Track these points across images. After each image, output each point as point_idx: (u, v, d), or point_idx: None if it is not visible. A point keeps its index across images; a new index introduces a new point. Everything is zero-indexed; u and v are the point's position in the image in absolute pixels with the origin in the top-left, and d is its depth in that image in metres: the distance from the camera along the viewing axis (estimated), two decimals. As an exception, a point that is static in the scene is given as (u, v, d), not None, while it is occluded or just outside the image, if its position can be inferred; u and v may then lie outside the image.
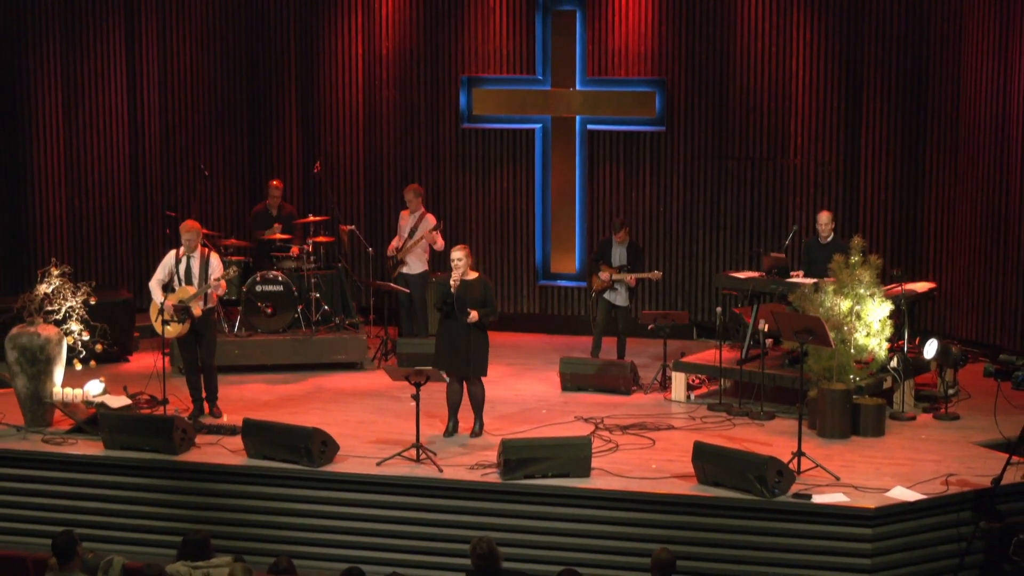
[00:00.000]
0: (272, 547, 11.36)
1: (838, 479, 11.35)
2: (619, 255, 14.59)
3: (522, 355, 15.62)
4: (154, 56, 16.97)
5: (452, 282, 12.32)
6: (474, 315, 12.21)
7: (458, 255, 12.40)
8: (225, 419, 13.08)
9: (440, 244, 15.27)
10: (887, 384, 13.19)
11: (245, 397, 13.90)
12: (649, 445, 12.41)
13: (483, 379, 12.54)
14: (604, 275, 14.55)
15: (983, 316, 15.28)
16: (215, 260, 13.10)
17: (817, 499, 10.97)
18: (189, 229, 13.02)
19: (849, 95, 15.84)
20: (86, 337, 13.39)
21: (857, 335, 12.66)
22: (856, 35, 15.75)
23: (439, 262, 15.81)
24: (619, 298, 14.61)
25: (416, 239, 15.28)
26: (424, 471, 11.67)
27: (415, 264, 15.38)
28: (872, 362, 12.85)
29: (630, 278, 14.50)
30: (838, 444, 12.35)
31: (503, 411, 13.28)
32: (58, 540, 8.81)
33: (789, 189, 16.14)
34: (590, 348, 15.32)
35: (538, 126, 16.75)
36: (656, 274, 14.73)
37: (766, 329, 13.28)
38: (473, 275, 12.43)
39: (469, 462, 11.84)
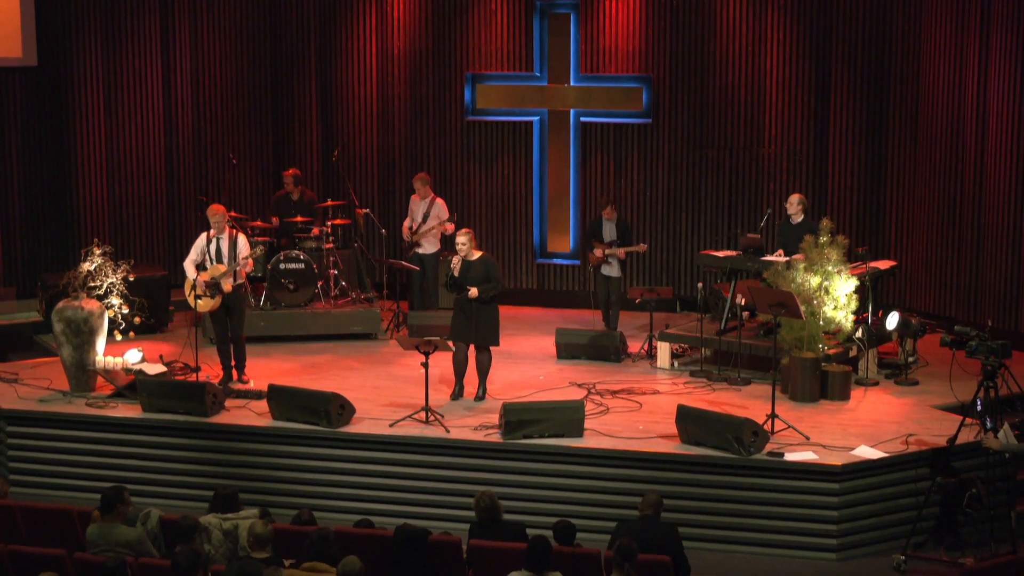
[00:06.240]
0: (295, 500, 11.35)
1: (808, 439, 11.33)
2: (609, 231, 14.53)
3: (521, 326, 15.57)
4: (187, 55, 16.89)
5: (453, 264, 12.30)
6: (473, 291, 12.16)
7: (462, 239, 12.36)
8: (252, 385, 13.05)
9: (451, 230, 15.14)
10: (853, 353, 13.16)
11: (270, 365, 13.86)
12: (637, 408, 12.37)
13: (492, 348, 12.51)
14: (598, 251, 14.50)
15: (940, 291, 15.24)
16: (243, 240, 13.07)
17: (789, 457, 10.95)
18: (215, 212, 12.99)
19: (818, 90, 15.76)
20: (126, 310, 13.40)
21: (825, 308, 12.61)
22: (825, 36, 15.66)
23: (449, 243, 15.73)
24: (612, 270, 14.56)
25: (429, 225, 15.21)
26: (432, 432, 11.65)
27: (428, 246, 15.31)
28: (839, 333, 12.81)
29: (620, 252, 14.45)
30: (808, 407, 12.31)
31: (504, 377, 13.23)
32: (106, 493, 8.83)
33: (763, 176, 16.07)
34: (585, 320, 15.30)
35: (536, 119, 16.67)
36: (642, 247, 14.72)
37: (743, 303, 13.27)
38: (477, 254, 12.37)
39: (473, 423, 11.82)
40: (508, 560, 8.41)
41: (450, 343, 12.19)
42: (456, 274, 12.25)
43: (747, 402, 12.38)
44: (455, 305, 12.47)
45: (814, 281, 12.63)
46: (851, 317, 12.81)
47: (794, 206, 13.92)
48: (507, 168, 16.84)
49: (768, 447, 11.10)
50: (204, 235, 13.05)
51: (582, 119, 16.50)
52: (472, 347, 12.48)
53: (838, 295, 12.65)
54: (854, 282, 12.78)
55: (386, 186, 17.24)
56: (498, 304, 12.53)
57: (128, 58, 16.56)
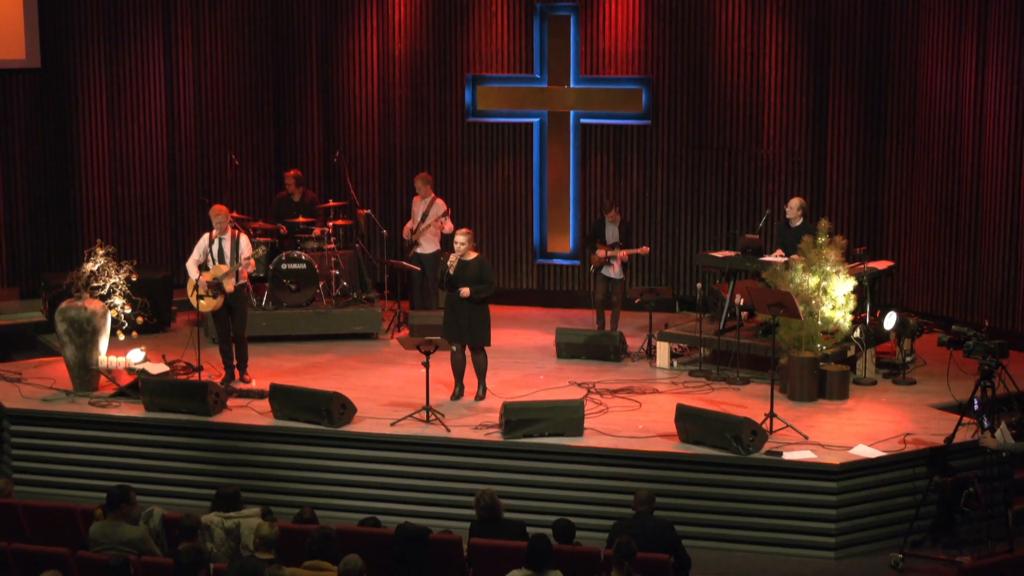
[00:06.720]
0: (296, 499, 11.35)
1: (806, 438, 11.33)
2: (612, 233, 14.53)
3: (521, 326, 15.57)
4: (189, 57, 16.88)
5: (449, 263, 12.30)
6: (465, 291, 12.17)
7: (460, 239, 12.36)
8: (254, 384, 13.06)
9: (449, 228, 15.17)
10: (851, 352, 13.15)
11: (272, 364, 13.86)
12: (636, 407, 12.37)
13: (486, 348, 12.49)
14: (600, 252, 14.50)
15: (937, 291, 15.24)
16: (245, 241, 13.08)
17: (787, 456, 10.95)
18: (217, 213, 13.01)
19: (816, 91, 15.76)
20: (128, 310, 13.36)
21: (824, 308, 12.60)
22: (823, 37, 15.66)
23: (449, 243, 15.72)
24: (614, 272, 14.56)
25: (427, 223, 15.22)
26: (433, 431, 11.65)
27: (428, 245, 15.31)
28: (837, 333, 12.81)
29: (623, 253, 14.45)
30: (806, 406, 12.31)
31: (504, 377, 13.23)
32: (113, 491, 8.83)
33: (762, 177, 16.06)
34: (584, 320, 15.31)
35: (536, 120, 16.67)
36: (644, 249, 14.72)
37: (742, 303, 13.26)
38: (472, 255, 12.37)
39: (474, 423, 11.82)
40: (508, 559, 8.41)
41: (451, 343, 12.20)
42: (452, 272, 12.24)
43: (746, 401, 12.37)
44: (446, 304, 12.49)
45: (812, 281, 12.62)
46: (849, 317, 12.81)
47: (794, 211, 13.92)
48: (507, 169, 16.84)
49: (767, 446, 11.09)
50: (206, 235, 13.05)
51: (582, 120, 16.50)
52: (468, 348, 12.48)
53: (836, 295, 12.65)
54: (852, 282, 12.78)
55: (387, 187, 17.24)
56: (489, 305, 12.50)
57: (131, 59, 16.55)
